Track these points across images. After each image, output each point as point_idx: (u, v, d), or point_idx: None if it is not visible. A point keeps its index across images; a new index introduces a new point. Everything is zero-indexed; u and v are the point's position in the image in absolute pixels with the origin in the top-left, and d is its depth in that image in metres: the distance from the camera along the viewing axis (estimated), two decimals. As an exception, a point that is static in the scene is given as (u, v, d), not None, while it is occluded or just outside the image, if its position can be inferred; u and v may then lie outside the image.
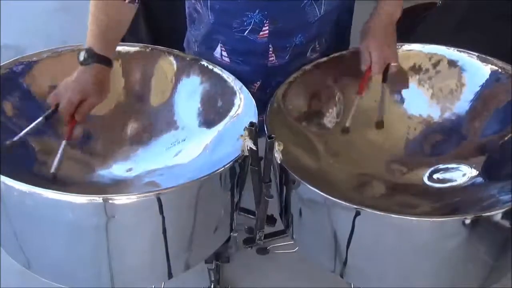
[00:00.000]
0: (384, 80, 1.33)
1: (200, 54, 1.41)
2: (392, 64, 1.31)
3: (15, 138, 1.16)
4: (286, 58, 1.35)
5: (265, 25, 1.27)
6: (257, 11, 1.25)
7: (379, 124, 1.35)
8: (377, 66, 1.29)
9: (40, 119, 1.19)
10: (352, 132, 1.36)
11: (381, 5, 1.32)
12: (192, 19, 1.41)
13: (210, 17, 1.30)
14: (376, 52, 1.28)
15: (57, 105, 1.18)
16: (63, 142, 1.19)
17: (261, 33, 1.28)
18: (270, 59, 1.34)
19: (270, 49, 1.32)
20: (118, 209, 1.02)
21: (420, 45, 1.40)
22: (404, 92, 1.41)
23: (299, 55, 1.36)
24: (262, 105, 1.27)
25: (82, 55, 1.18)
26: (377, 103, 1.38)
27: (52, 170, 1.17)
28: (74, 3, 2.95)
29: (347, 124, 1.33)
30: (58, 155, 1.18)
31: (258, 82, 1.39)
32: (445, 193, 1.24)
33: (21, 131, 1.20)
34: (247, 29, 1.28)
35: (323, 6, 1.27)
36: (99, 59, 1.19)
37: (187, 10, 1.41)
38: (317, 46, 1.38)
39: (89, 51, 1.18)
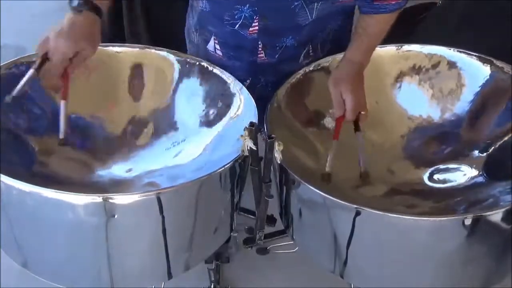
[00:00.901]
0: (358, 129, 1.28)
1: (198, 46, 1.42)
2: (362, 112, 1.28)
3: (13, 94, 1.12)
4: (276, 57, 1.35)
5: (255, 21, 1.28)
6: (247, 5, 1.26)
7: (364, 176, 1.23)
8: (352, 113, 1.26)
9: (30, 70, 1.12)
10: (352, 133, 1.37)
11: (352, 53, 1.31)
12: (191, 6, 1.42)
13: (205, 5, 1.32)
14: (350, 98, 1.24)
15: (46, 56, 1.13)
16: (62, 103, 1.16)
17: (251, 28, 1.29)
18: (260, 55, 1.34)
19: (260, 45, 1.33)
20: (118, 208, 1.01)
21: (419, 45, 1.40)
22: (404, 92, 1.41)
23: (291, 57, 1.36)
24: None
25: (75, 1, 1.14)
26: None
27: (60, 136, 1.16)
28: (74, 3, 2.96)
29: (327, 169, 1.21)
30: (62, 118, 1.15)
31: (248, 80, 1.39)
32: (446, 193, 1.24)
33: (21, 131, 1.21)
34: (237, 23, 1.29)
35: (314, 11, 1.28)
36: (91, 7, 1.14)
37: None
38: (311, 52, 1.38)
39: None
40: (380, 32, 1.31)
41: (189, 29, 1.48)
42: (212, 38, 1.37)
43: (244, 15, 1.27)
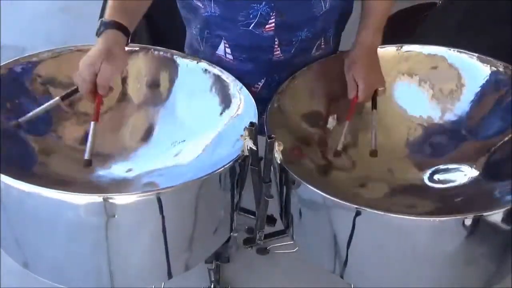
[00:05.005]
0: (374, 106, 1.30)
1: (205, 53, 1.40)
2: (380, 88, 1.32)
3: (26, 117, 1.17)
4: (292, 52, 1.34)
5: (272, 17, 1.26)
6: (263, 2, 1.24)
7: (373, 153, 1.25)
8: (363, 94, 1.29)
9: (57, 99, 1.17)
10: (353, 133, 1.37)
11: (362, 35, 1.32)
12: (189, 20, 1.40)
13: (214, 10, 1.29)
14: (362, 80, 1.28)
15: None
16: (92, 124, 1.12)
17: (267, 26, 1.28)
18: (276, 53, 1.33)
19: (276, 42, 1.31)
20: (118, 208, 1.02)
21: (420, 46, 1.40)
22: (404, 92, 1.41)
23: (304, 50, 1.36)
24: (267, 103, 1.27)
25: (97, 27, 1.14)
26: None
27: (86, 156, 1.09)
28: (74, 3, 2.96)
29: (339, 148, 1.28)
30: (90, 139, 1.10)
31: (262, 80, 1.38)
32: (446, 193, 1.25)
33: (21, 131, 1.21)
34: (252, 22, 1.27)
35: (328, 0, 1.28)
36: (110, 25, 1.14)
37: (181, 13, 1.40)
38: (322, 44, 1.38)
39: (103, 21, 1.15)
40: (385, 11, 1.33)
41: (191, 41, 1.44)
42: (222, 42, 1.35)
43: (260, 13, 1.25)
